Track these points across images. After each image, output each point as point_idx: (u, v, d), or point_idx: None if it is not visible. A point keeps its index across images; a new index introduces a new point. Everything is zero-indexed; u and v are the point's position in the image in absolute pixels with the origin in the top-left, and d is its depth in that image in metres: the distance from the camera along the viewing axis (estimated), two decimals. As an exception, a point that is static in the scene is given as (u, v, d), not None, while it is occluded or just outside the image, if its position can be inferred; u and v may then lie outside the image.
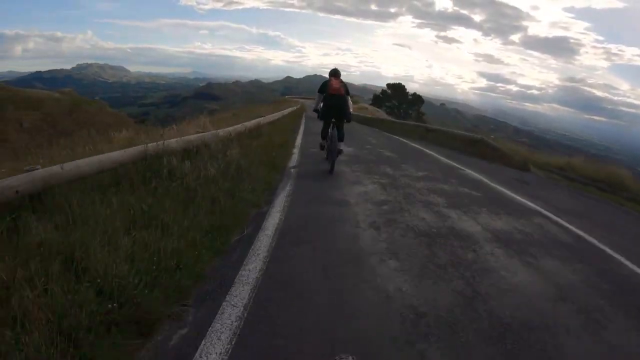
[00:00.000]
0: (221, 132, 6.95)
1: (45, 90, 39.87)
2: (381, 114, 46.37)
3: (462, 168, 9.88)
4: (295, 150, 9.81)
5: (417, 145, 14.40)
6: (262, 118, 11.89)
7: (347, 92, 7.76)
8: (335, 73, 7.88)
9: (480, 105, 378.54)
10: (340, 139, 7.67)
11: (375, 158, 9.91)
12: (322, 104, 7.79)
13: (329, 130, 7.70)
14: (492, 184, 8.22)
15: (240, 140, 7.60)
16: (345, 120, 7.80)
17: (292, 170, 7.36)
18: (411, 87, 64.78)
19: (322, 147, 8.17)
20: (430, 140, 16.18)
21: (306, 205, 5.17)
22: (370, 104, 58.71)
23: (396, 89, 64.34)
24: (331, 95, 7.47)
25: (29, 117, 29.57)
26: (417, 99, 64.70)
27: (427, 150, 13.04)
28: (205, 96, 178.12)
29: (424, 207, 5.63)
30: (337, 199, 5.62)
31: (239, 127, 8.10)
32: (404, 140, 16.06)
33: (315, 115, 8.25)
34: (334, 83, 7.56)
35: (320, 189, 6.11)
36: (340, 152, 7.76)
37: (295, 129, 15.75)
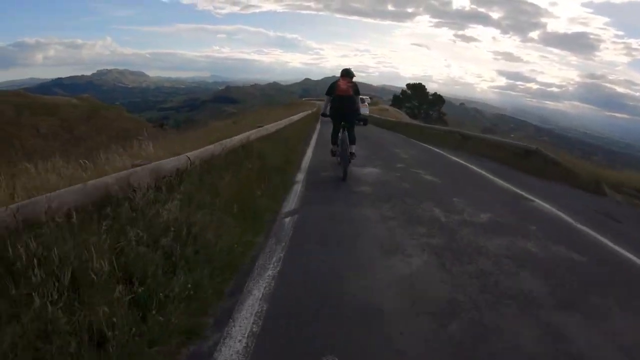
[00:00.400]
0: (172, 161, 4.34)
1: (63, 97, 39.41)
2: (403, 116, 44.17)
3: (530, 197, 7.06)
4: (300, 177, 7.30)
5: (457, 159, 11.60)
6: (257, 130, 9.13)
7: (357, 93, 7.47)
8: (346, 73, 7.52)
9: (500, 104, 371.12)
10: (352, 142, 7.33)
11: (412, 187, 7.16)
12: (329, 107, 7.56)
13: (339, 134, 7.40)
14: (585, 229, 5.41)
15: (208, 172, 4.97)
16: (357, 123, 7.66)
17: (286, 220, 4.70)
18: (430, 87, 64.42)
19: (333, 153, 7.88)
20: (469, 150, 13.35)
21: (289, 341, 2.43)
22: (390, 105, 57.47)
23: (416, 89, 62.52)
24: (339, 97, 7.26)
25: (46, 123, 29.18)
26: (438, 99, 63.14)
27: (472, 167, 10.30)
28: (224, 99, 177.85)
29: (523, 317, 2.88)
30: (355, 302, 2.90)
31: (210, 149, 5.44)
32: (439, 151, 13.32)
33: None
34: (342, 84, 7.32)
35: (327, 270, 3.41)
36: (352, 156, 7.39)
37: (307, 140, 13.37)
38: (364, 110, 30.63)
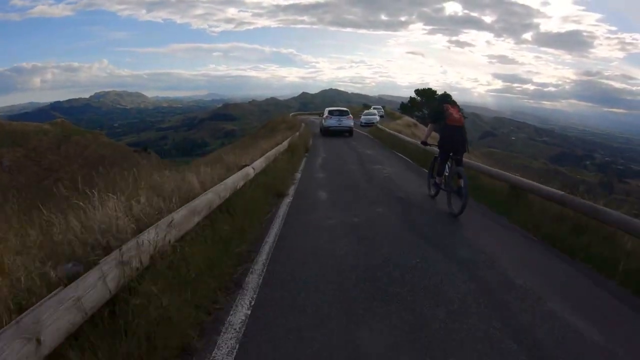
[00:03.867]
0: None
1: (34, 123, 37.88)
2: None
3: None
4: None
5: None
6: (242, 173, 6.97)
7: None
8: (453, 103, 7.21)
9: (498, 107, 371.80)
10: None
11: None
12: (439, 136, 7.13)
13: (446, 166, 7.13)
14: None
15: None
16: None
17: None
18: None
19: (436, 188, 7.59)
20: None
21: None
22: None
23: (427, 96, 57.11)
24: (452, 127, 6.80)
25: (10, 155, 27.56)
26: (451, 104, 56.15)
27: None
28: (222, 117, 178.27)
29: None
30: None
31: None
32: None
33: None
34: (454, 112, 6.87)
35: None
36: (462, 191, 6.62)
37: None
38: (373, 118, 35.50)
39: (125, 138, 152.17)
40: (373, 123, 32.38)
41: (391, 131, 22.08)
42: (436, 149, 7.58)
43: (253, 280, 3.81)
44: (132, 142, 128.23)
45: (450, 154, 6.96)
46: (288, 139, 15.21)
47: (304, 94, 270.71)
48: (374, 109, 48.37)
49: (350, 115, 24.97)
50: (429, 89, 59.26)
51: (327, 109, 26.04)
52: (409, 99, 60.14)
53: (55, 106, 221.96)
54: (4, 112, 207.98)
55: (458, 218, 6.36)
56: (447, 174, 7.14)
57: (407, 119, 40.54)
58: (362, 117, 36.90)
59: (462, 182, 6.55)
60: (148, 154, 42.66)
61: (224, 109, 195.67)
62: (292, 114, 51.64)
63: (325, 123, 24.37)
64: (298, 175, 10.31)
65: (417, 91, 59.55)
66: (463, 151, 6.96)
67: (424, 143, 7.86)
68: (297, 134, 19.37)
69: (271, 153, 10.74)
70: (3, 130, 30.20)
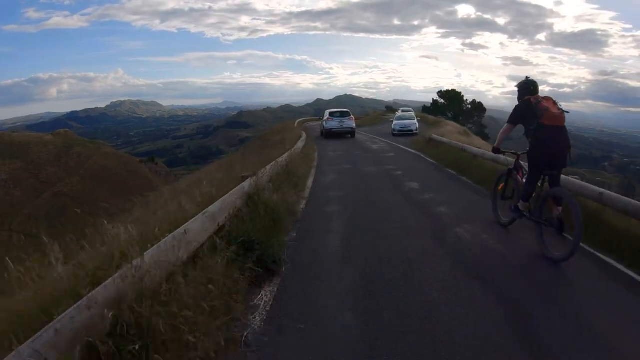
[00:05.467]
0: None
1: (36, 134, 36.99)
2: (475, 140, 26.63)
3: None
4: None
5: None
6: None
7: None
8: (537, 90, 5.23)
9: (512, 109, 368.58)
10: (559, 199, 4.82)
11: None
12: (530, 143, 4.95)
13: (540, 185, 5.06)
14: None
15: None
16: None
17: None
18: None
19: (516, 215, 5.44)
20: None
21: None
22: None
23: (451, 98, 52.40)
24: (551, 129, 4.67)
25: (8, 167, 26.78)
26: (477, 107, 52.72)
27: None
28: (237, 125, 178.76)
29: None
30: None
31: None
32: None
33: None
34: (551, 106, 4.76)
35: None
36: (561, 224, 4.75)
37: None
38: (412, 124, 26.53)
39: (141, 147, 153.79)
40: (412, 131, 25.40)
41: (462, 145, 13.54)
42: (512, 159, 6.03)
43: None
44: (148, 150, 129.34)
45: (545, 169, 4.92)
46: (302, 138, 17.10)
47: (318, 100, 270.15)
48: (403, 111, 37.33)
49: (352, 116, 24.45)
50: (453, 91, 54.23)
51: (327, 111, 25.59)
52: (431, 102, 54.69)
53: (72, 116, 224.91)
54: (20, 122, 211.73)
55: (564, 272, 4.43)
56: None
57: (453, 124, 30.75)
58: (395, 122, 27.42)
59: (560, 210, 4.76)
60: (155, 164, 42.01)
61: (238, 117, 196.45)
62: (299, 120, 43.09)
63: (327, 125, 23.84)
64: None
65: (442, 93, 54.18)
66: (563, 165, 4.90)
67: (497, 150, 5.84)
68: (304, 139, 17.49)
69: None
70: (2, 142, 29.48)
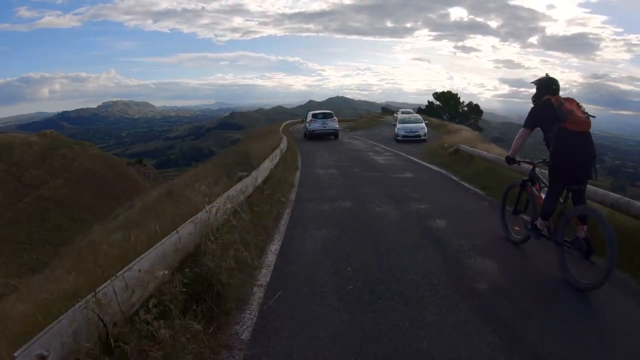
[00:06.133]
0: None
1: (22, 134, 36.29)
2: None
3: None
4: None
5: None
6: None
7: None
8: (559, 90, 4.49)
9: (506, 112, 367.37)
10: (584, 217, 4.12)
11: None
12: (551, 151, 4.24)
13: (561, 201, 4.36)
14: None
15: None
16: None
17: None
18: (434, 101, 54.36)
19: (534, 234, 4.66)
20: None
21: None
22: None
23: (447, 100, 50.83)
24: (574, 135, 4.06)
25: None
26: (474, 109, 50.94)
27: None
28: (229, 126, 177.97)
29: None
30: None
31: None
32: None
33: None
34: (576, 109, 4.12)
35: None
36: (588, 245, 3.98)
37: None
38: (419, 128, 23.32)
39: (132, 147, 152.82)
40: (419, 136, 22.28)
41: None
42: (527, 168, 5.26)
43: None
44: (139, 151, 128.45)
45: (567, 182, 4.27)
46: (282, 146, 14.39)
47: (310, 101, 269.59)
48: (404, 112, 33.53)
49: (335, 117, 24.59)
50: (449, 92, 52.36)
51: (310, 113, 25.90)
52: (427, 104, 52.80)
53: (63, 116, 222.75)
54: (11, 121, 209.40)
55: (592, 300, 3.72)
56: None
57: (467, 129, 25.88)
58: (400, 126, 23.72)
59: (585, 230, 4.08)
60: (143, 166, 41.73)
61: (230, 118, 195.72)
62: (286, 122, 37.88)
63: (310, 127, 24.04)
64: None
65: (437, 95, 52.50)
66: (588, 177, 4.22)
67: (511, 160, 5.11)
68: (282, 146, 14.49)
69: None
70: (-17, 144, 28.92)
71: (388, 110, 57.70)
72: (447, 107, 50.26)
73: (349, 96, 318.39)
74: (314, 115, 24.83)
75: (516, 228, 5.43)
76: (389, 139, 23.52)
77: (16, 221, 21.57)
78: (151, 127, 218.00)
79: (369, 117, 50.35)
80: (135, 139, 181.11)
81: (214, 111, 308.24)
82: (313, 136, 23.71)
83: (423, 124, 23.94)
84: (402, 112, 33.73)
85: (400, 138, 22.45)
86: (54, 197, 24.85)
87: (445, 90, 53.64)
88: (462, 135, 19.25)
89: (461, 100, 51.92)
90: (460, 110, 50.35)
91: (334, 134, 23.99)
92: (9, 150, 28.23)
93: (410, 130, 22.69)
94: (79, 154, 31.16)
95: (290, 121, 41.90)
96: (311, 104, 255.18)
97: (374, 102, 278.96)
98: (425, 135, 22.32)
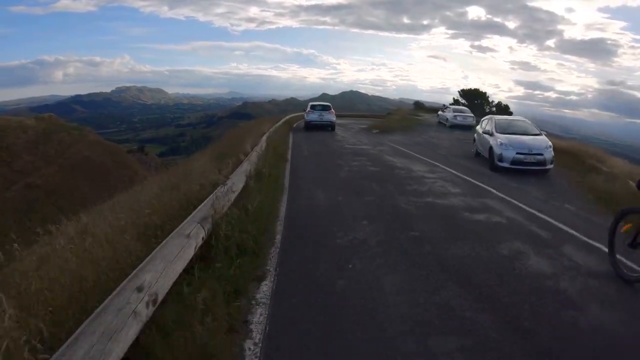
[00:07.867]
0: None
1: (18, 117, 34.40)
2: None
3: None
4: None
5: None
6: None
7: None
8: None
9: (519, 114, 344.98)
10: None
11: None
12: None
13: None
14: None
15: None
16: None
17: None
18: (447, 100, 50.05)
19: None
20: None
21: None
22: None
23: (473, 98, 46.32)
24: None
25: None
26: (504, 110, 45.74)
27: None
28: (241, 116, 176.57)
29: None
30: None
31: None
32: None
33: None
34: None
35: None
36: None
37: None
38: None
39: (143, 133, 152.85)
40: (544, 163, 12.17)
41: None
42: None
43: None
44: (150, 137, 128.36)
45: None
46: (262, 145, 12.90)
47: (324, 94, 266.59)
48: (455, 111, 29.44)
49: (333, 110, 25.43)
50: (477, 90, 48.28)
51: (309, 104, 26.74)
52: (452, 101, 47.08)
53: (76, 99, 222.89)
54: (24, 103, 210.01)
55: None
56: None
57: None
58: (501, 138, 12.68)
59: None
60: (145, 154, 40.57)
61: (243, 108, 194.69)
62: (287, 117, 31.83)
63: (307, 117, 25.19)
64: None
65: (463, 92, 48.47)
66: None
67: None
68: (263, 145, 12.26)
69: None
70: (-26, 125, 27.33)
71: (422, 106, 48.82)
72: (472, 106, 43.29)
73: (362, 91, 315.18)
74: (312, 107, 25.70)
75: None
76: (465, 156, 15.04)
77: (1, 211, 20.12)
78: (163, 113, 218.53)
79: (401, 114, 38.92)
80: (147, 125, 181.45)
81: (227, 100, 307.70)
82: (310, 127, 24.65)
83: (545, 137, 13.36)
84: (455, 110, 29.44)
85: (506, 165, 12.25)
86: (45, 186, 23.50)
87: (473, 88, 49.46)
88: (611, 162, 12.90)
89: (490, 100, 47.85)
90: (488, 110, 43.97)
91: (331, 126, 24.71)
92: (0, 134, 26.68)
93: (529, 151, 12.23)
94: (77, 139, 29.56)
95: (296, 114, 33.52)
96: (324, 97, 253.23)
97: (388, 98, 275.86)
98: (552, 163, 12.42)
